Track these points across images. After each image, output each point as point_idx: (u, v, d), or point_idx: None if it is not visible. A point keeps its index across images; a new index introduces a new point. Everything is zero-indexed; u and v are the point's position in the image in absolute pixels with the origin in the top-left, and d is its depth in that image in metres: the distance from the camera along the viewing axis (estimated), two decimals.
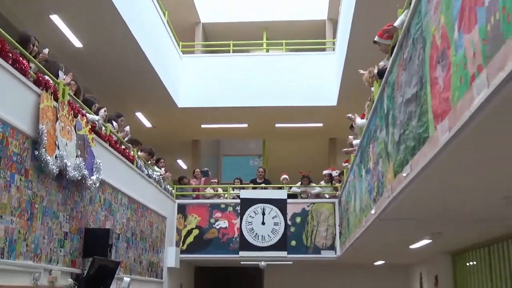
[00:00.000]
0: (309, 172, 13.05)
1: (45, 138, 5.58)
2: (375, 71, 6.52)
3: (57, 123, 5.98)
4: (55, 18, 8.88)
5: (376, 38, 5.95)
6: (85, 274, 6.46)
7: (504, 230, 7.13)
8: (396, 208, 5.43)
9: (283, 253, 11.79)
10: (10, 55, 5.23)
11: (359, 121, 8.16)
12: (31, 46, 6.17)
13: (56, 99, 6.05)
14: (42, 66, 6.09)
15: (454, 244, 9.02)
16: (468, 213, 5.83)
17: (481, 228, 7.08)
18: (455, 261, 10.00)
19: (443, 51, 3.32)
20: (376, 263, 13.06)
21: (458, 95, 3.04)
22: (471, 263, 9.16)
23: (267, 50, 15.25)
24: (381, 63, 6.16)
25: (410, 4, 4.22)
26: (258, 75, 13.61)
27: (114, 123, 8.94)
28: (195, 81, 13.64)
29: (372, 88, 6.69)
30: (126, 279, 8.12)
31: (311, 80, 13.33)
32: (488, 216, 5.82)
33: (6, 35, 5.27)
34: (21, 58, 5.47)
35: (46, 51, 6.62)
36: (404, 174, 4.48)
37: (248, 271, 14.19)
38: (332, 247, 11.77)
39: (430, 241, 8.04)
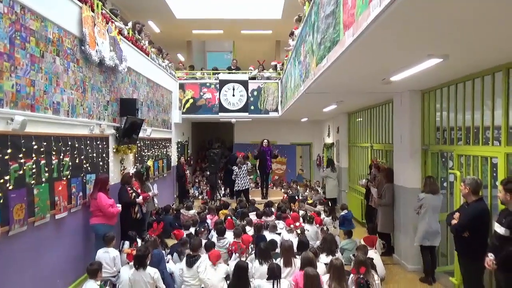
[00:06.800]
0: (263, 61, 12.81)
1: (88, 37, 5.24)
2: None
3: (95, 27, 5.54)
4: None
5: None
6: (122, 126, 6.47)
7: (380, 99, 7.39)
8: (316, 85, 5.49)
9: (246, 114, 11.91)
10: None
11: (295, 31, 7.92)
12: None
13: (92, 11, 5.55)
14: None
15: (349, 108, 9.30)
16: (359, 89, 5.96)
17: (366, 98, 7.29)
18: (349, 118, 10.39)
19: None
20: (302, 120, 13.45)
21: (360, 12, 2.96)
22: (359, 119, 9.56)
23: None
24: None
25: None
26: None
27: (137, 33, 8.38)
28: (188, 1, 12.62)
29: (304, 7, 6.39)
30: (149, 129, 8.20)
31: (266, 1, 12.51)
32: (371, 90, 5.97)
33: None
34: None
35: None
36: (323, 64, 4.48)
37: (224, 124, 14.40)
38: (276, 110, 11.94)
39: (336, 106, 8.24)
